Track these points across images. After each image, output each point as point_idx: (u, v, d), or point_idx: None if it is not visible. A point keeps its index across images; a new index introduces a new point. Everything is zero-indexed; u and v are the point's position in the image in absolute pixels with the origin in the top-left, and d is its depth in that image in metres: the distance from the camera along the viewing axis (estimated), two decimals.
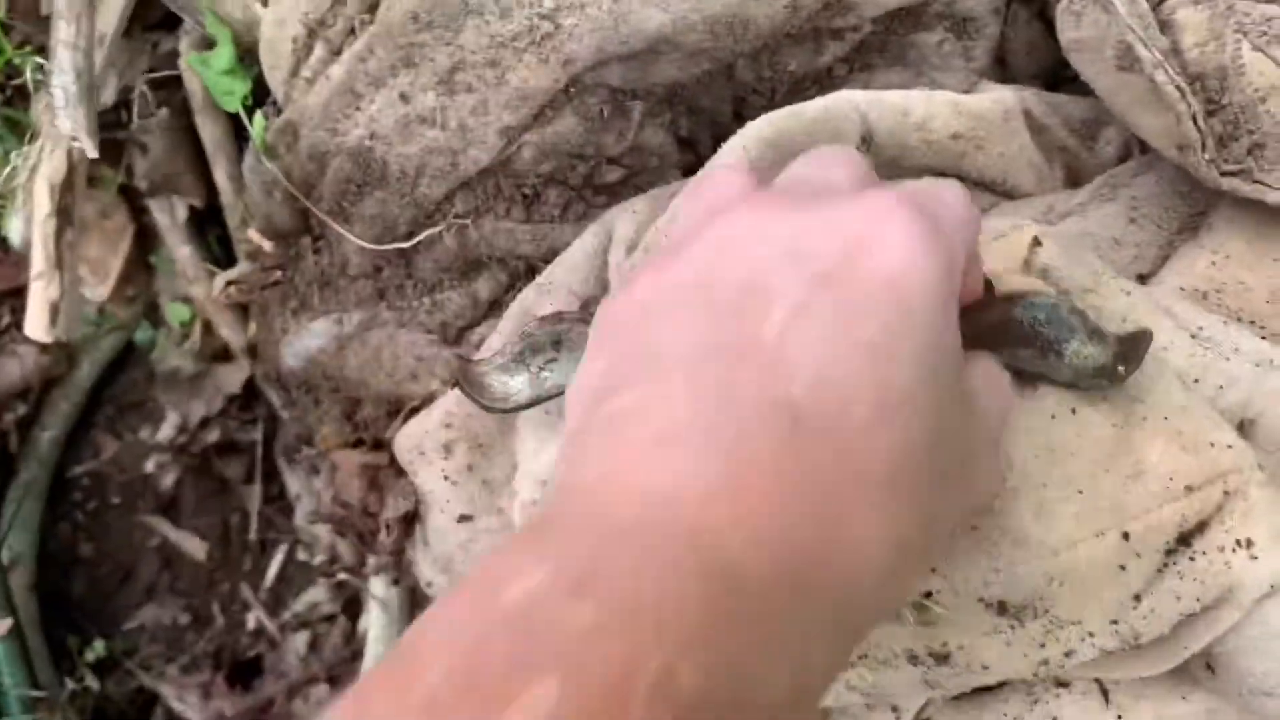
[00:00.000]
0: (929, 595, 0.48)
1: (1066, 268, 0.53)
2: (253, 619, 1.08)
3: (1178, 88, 0.52)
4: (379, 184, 0.57)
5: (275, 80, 0.60)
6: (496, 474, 0.59)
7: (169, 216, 0.95)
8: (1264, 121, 0.52)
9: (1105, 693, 0.54)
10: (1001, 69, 0.66)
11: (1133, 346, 0.47)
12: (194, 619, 1.08)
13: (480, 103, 0.54)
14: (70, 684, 0.99)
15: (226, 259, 0.99)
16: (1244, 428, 0.52)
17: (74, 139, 0.44)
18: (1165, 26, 0.55)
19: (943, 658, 0.50)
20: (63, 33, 0.42)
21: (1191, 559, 0.47)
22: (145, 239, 1.01)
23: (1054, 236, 0.53)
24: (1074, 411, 0.48)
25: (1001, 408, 0.40)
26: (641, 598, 0.24)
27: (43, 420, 1.05)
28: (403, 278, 0.62)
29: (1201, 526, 0.47)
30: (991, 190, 0.62)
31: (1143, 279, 0.60)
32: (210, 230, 0.98)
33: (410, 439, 0.60)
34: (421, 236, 0.57)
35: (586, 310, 0.49)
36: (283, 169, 0.59)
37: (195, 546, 1.08)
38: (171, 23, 0.85)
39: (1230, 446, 0.47)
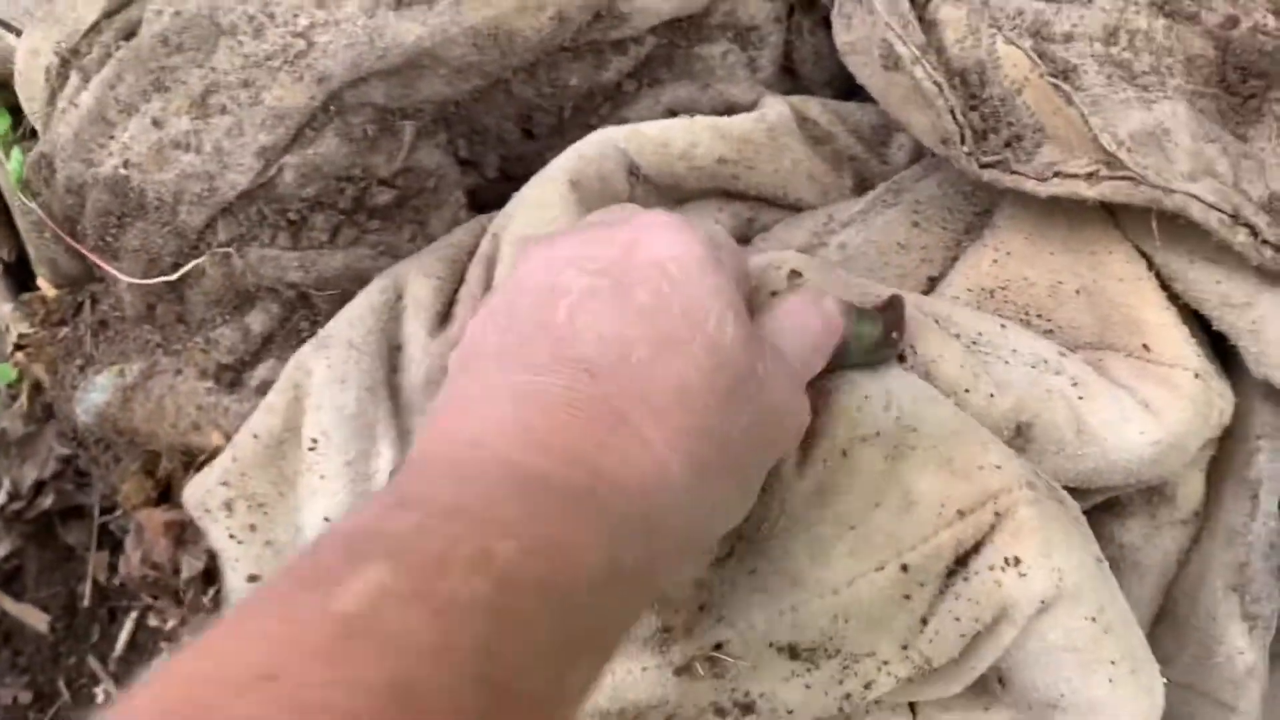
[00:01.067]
0: (719, 647, 0.47)
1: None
2: (102, 692, 1.02)
3: (935, 83, 0.52)
4: (138, 214, 0.54)
5: (32, 112, 0.57)
6: (280, 534, 0.56)
7: None
8: (1021, 113, 0.52)
9: (912, 708, 0.53)
10: (792, 79, 0.66)
11: (893, 312, 0.49)
12: (36, 696, 1.02)
13: (235, 124, 0.52)
14: None
15: None
16: (1021, 431, 0.52)
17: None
18: (930, 25, 0.55)
19: (747, 708, 0.49)
20: None
21: (966, 580, 0.47)
22: None
23: (813, 266, 0.53)
24: (844, 454, 0.48)
25: (804, 345, 0.44)
26: (460, 501, 0.30)
27: None
28: (175, 316, 0.59)
29: (977, 547, 0.47)
30: (775, 204, 0.61)
31: (933, 281, 0.60)
32: (32, 287, 0.95)
33: (195, 495, 0.57)
34: (187, 268, 0.55)
35: None
36: (43, 206, 0.56)
37: (37, 619, 1.03)
38: None
39: (999, 467, 0.47)
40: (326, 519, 0.51)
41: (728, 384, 0.37)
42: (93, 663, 1.03)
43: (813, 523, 0.47)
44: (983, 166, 0.52)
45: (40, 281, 0.68)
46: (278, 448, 0.54)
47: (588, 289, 0.37)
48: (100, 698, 1.02)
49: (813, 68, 0.65)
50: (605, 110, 0.63)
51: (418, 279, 0.55)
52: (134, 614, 1.04)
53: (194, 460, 0.62)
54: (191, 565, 0.59)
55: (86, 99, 0.54)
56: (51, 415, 0.98)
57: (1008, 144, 0.52)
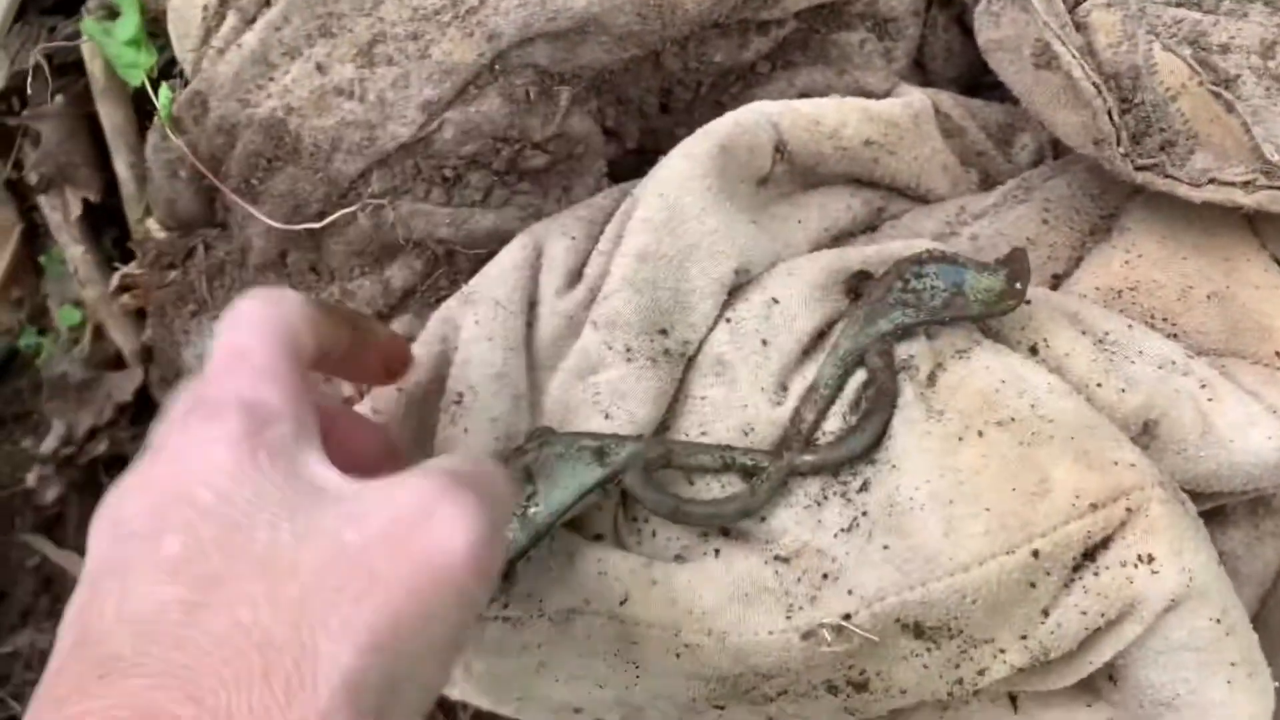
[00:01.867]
0: (847, 618, 0.48)
1: None
2: None
3: (1094, 84, 0.53)
4: (291, 159, 0.54)
5: (183, 50, 0.57)
6: None
7: (61, 214, 0.90)
8: (1174, 119, 0.53)
9: (1013, 700, 0.54)
10: (921, 73, 0.67)
11: (1018, 265, 0.51)
12: None
13: (401, 76, 0.52)
14: None
15: (123, 259, 0.95)
16: (1147, 429, 0.53)
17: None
18: (1080, 27, 0.57)
19: (861, 685, 0.50)
20: None
21: (1096, 574, 0.48)
22: (33, 238, 0.96)
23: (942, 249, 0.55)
24: (980, 434, 0.49)
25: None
26: None
27: None
28: (309, 265, 0.60)
29: (1106, 542, 0.48)
30: (905, 194, 0.62)
31: (1057, 279, 0.61)
32: (106, 230, 0.94)
33: None
34: (335, 216, 0.55)
35: (545, 434, 0.49)
36: (189, 144, 0.56)
37: (78, 566, 1.02)
38: (70, 6, 0.82)
39: (1133, 465, 0.48)
40: None
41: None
42: None
43: (948, 500, 0.48)
44: (1137, 169, 0.53)
45: (150, 223, 0.67)
46: (421, 399, 0.54)
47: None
48: None
49: (943, 63, 0.66)
50: (737, 89, 0.63)
51: (555, 237, 0.55)
52: None
53: None
54: None
55: (250, 39, 0.54)
56: (113, 363, 0.97)
57: (1162, 148, 0.53)
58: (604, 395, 0.49)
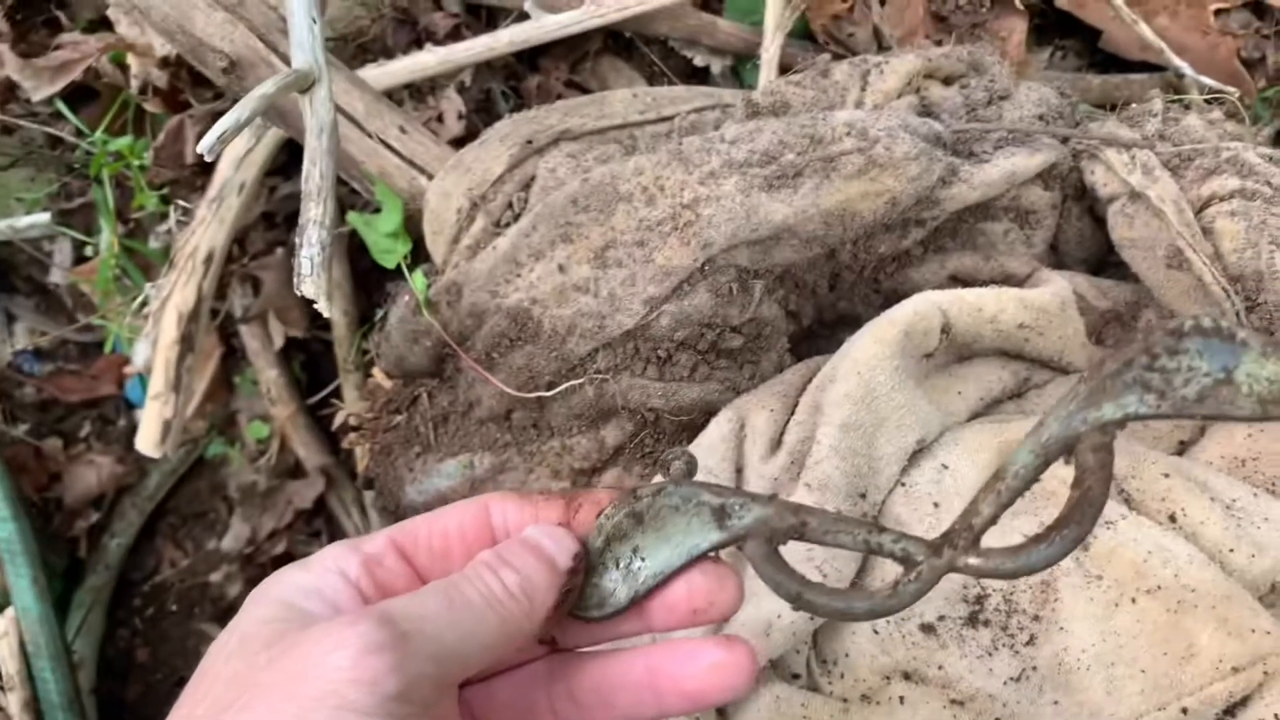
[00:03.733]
0: None
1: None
2: None
3: (1223, 288, 0.62)
4: (531, 339, 0.64)
5: (438, 245, 0.68)
6: None
7: (260, 342, 1.02)
8: None
9: None
10: (1053, 253, 0.76)
11: None
12: None
13: (629, 276, 0.62)
14: None
15: (310, 383, 1.06)
16: (1276, 589, 0.60)
17: (314, 301, 0.51)
18: (1206, 233, 0.65)
19: None
20: (312, 212, 0.50)
21: None
22: (229, 361, 1.08)
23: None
24: (1134, 602, 0.57)
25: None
26: None
27: (112, 528, 1.10)
28: (531, 422, 0.69)
29: (1245, 701, 0.55)
30: (1049, 367, 0.71)
31: (1183, 445, 0.69)
32: (294, 357, 1.06)
33: None
34: (564, 386, 0.65)
35: (665, 481, 0.44)
36: (441, 322, 0.67)
37: None
38: (286, 169, 0.94)
39: (1269, 632, 0.56)
40: None
41: None
42: None
43: (1110, 662, 0.56)
44: None
45: (376, 372, 0.78)
46: None
47: None
48: None
49: (1074, 246, 0.75)
50: (892, 269, 0.73)
51: (756, 410, 0.64)
52: None
53: None
54: None
55: (503, 243, 0.64)
56: (292, 472, 1.08)
57: None
58: (818, 554, 0.58)
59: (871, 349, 0.62)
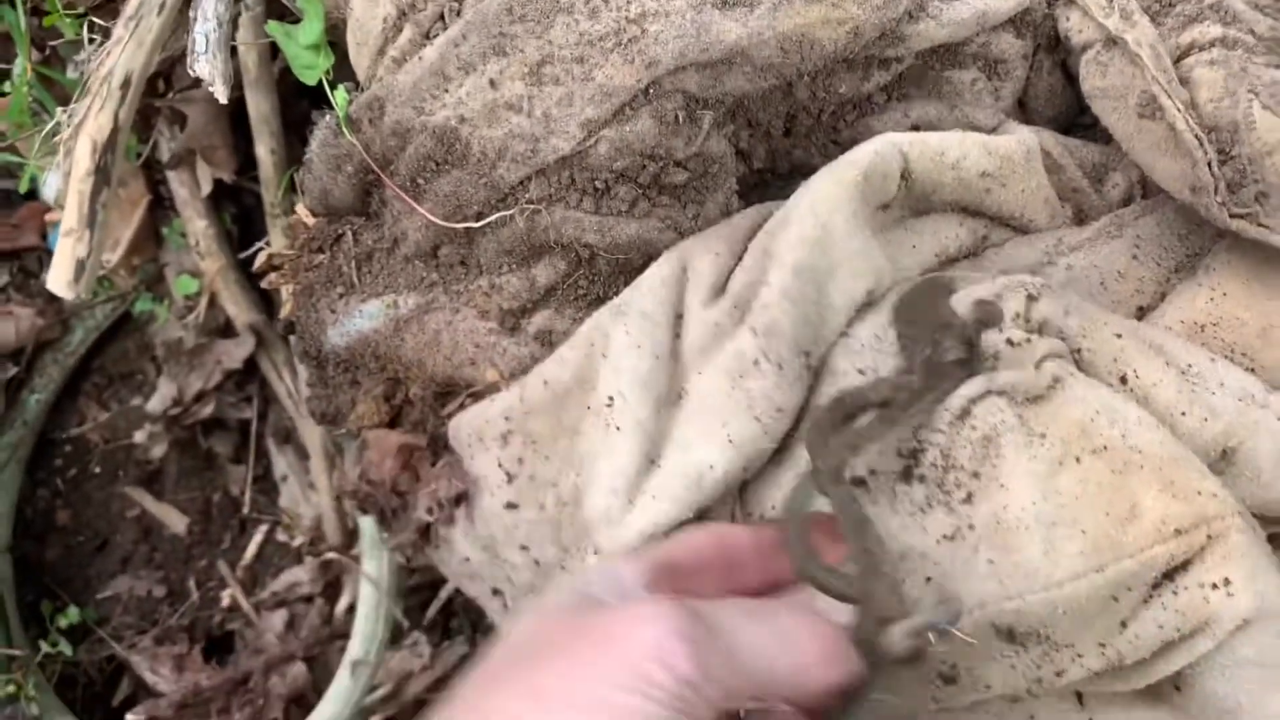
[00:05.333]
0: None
1: (1060, 318, 0.59)
2: (228, 596, 1.08)
3: (1196, 136, 0.58)
4: (459, 163, 0.60)
5: (361, 57, 0.63)
6: (544, 471, 0.62)
7: (188, 190, 0.96)
8: (1269, 173, 0.58)
9: (1079, 696, 0.59)
10: (1022, 111, 0.72)
11: None
12: (169, 592, 1.08)
13: (566, 95, 0.58)
14: (44, 647, 0.98)
15: (241, 236, 1.01)
16: (1225, 455, 0.58)
17: (209, 84, 0.46)
18: (1184, 82, 0.61)
19: (950, 679, 0.55)
20: None
21: (1175, 593, 0.53)
22: (156, 211, 1.02)
23: (1048, 292, 0.60)
24: (1078, 460, 0.54)
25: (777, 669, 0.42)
26: None
27: (32, 383, 1.05)
28: (459, 259, 0.65)
29: (1186, 565, 0.53)
30: (1008, 224, 0.67)
31: (1142, 311, 0.66)
32: (225, 208, 1.00)
33: (470, 424, 0.63)
34: (494, 217, 0.60)
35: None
36: (363, 143, 0.62)
37: (175, 520, 1.09)
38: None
39: (1215, 495, 0.54)
40: (614, 487, 0.57)
41: None
42: (222, 567, 1.09)
43: (1051, 522, 0.54)
44: (1232, 216, 0.58)
45: (299, 208, 0.73)
46: (563, 396, 0.60)
47: None
48: (225, 601, 1.08)
49: (1044, 103, 0.71)
50: (852, 117, 0.69)
51: (700, 253, 0.61)
52: (264, 527, 1.10)
53: (449, 392, 0.67)
54: (452, 486, 0.64)
55: (430, 53, 0.59)
56: (223, 331, 1.03)
57: (1256, 199, 0.58)
58: (757, 401, 0.54)
59: (829, 190, 0.59)
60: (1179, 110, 0.59)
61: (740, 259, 0.61)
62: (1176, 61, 0.62)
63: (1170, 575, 0.53)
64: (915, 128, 0.68)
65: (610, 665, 0.36)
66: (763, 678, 0.39)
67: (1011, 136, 0.64)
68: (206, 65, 0.46)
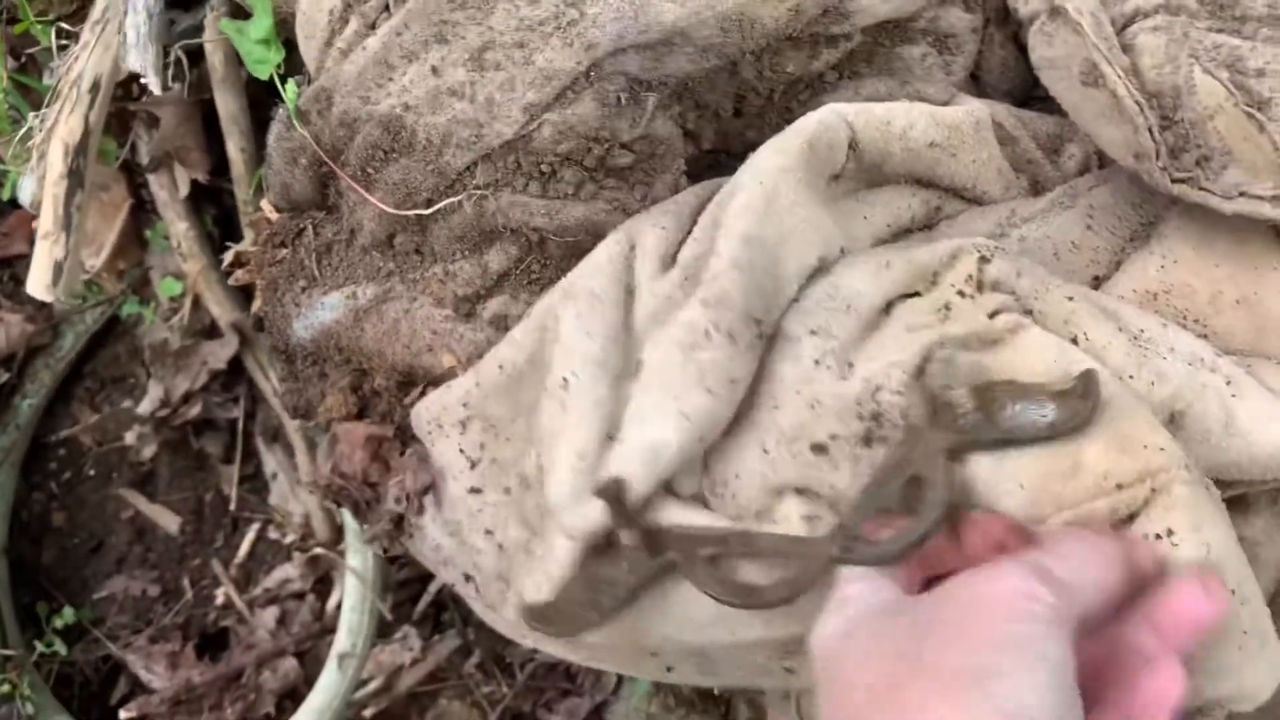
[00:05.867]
0: None
1: (1012, 279, 0.60)
2: (221, 594, 1.09)
3: (1136, 102, 0.58)
4: (406, 151, 0.61)
5: (310, 50, 0.64)
6: (505, 454, 0.62)
7: (168, 192, 0.97)
8: (1211, 137, 0.58)
9: None
10: (976, 85, 0.72)
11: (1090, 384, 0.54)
12: (163, 591, 1.09)
13: (508, 80, 0.58)
14: (39, 648, 1.00)
15: (223, 237, 1.02)
16: (1174, 419, 0.58)
17: (144, 76, 0.47)
18: (1127, 49, 0.61)
19: None
20: None
21: None
22: (139, 215, 1.04)
23: (1000, 254, 0.60)
24: None
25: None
26: None
27: (24, 388, 1.07)
28: (414, 247, 0.66)
29: (1131, 518, 0.53)
30: (961, 196, 0.67)
31: (1098, 280, 0.66)
32: (207, 209, 1.02)
33: (429, 411, 0.64)
34: (442, 204, 0.61)
35: None
36: (313, 134, 0.63)
37: (168, 520, 1.10)
38: (187, 2, 0.89)
39: (1163, 449, 0.53)
40: (581, 456, 0.57)
41: None
42: (216, 566, 1.10)
43: (990, 483, 0.54)
44: (1174, 181, 0.58)
45: (264, 204, 0.74)
46: (518, 378, 0.60)
47: None
48: (219, 599, 1.10)
49: (998, 77, 0.71)
50: (805, 96, 0.69)
51: (647, 229, 0.61)
52: (256, 525, 1.11)
53: (411, 380, 0.68)
54: (419, 479, 0.65)
55: (373, 43, 0.60)
56: (208, 333, 1.05)
57: (1198, 163, 0.58)
58: (709, 373, 0.55)
59: (773, 160, 0.59)
60: (1119, 77, 0.59)
61: (688, 233, 0.61)
62: (1121, 30, 0.62)
63: (1115, 529, 0.53)
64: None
65: (993, 613, 0.41)
66: (1089, 591, 0.44)
67: (960, 108, 0.64)
68: (138, 58, 0.46)
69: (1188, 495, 0.53)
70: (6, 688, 0.94)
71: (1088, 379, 0.54)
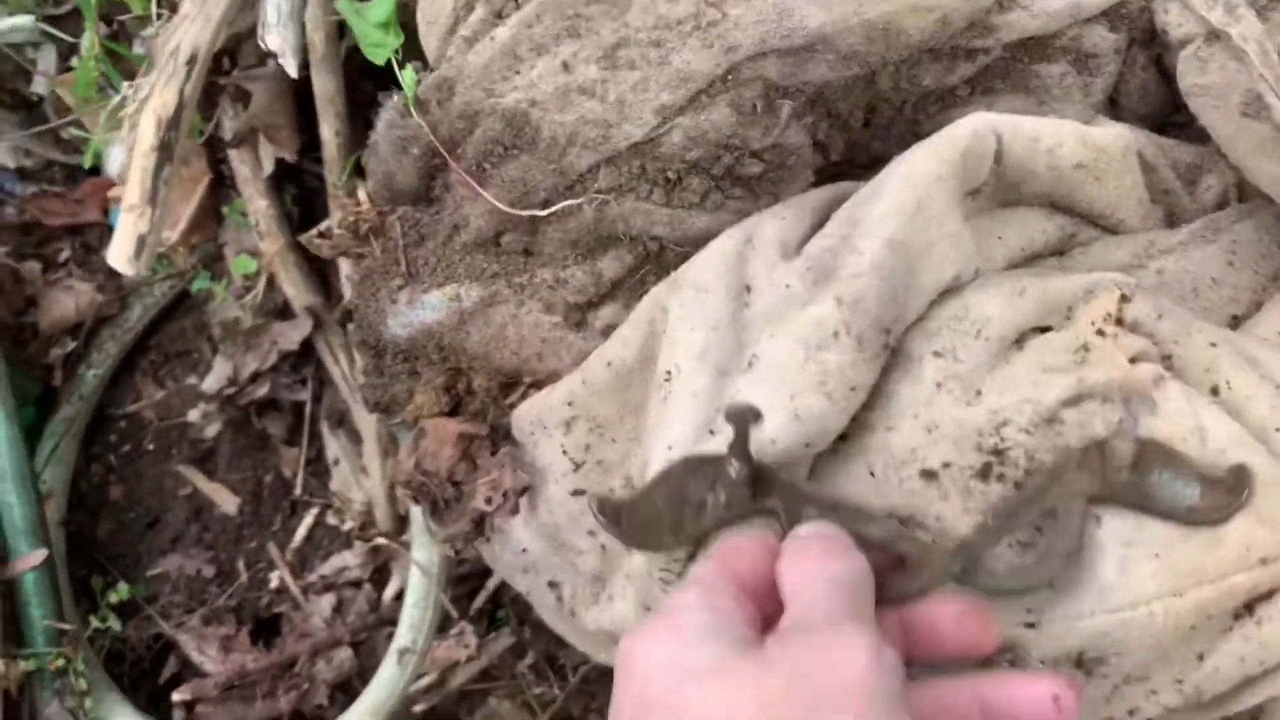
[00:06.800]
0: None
1: (1152, 321, 0.57)
2: (276, 578, 1.08)
3: None
4: (527, 148, 0.58)
5: (431, 36, 0.61)
6: (611, 455, 0.60)
7: (249, 168, 0.95)
8: None
9: None
10: (1113, 108, 0.69)
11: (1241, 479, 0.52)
12: (218, 572, 1.07)
13: (641, 80, 0.56)
14: (94, 622, 0.98)
15: (302, 217, 1.00)
16: None
17: (280, 56, 0.45)
18: None
19: None
20: None
21: (1258, 624, 0.51)
22: (217, 190, 1.01)
23: (1141, 293, 0.57)
24: None
25: None
26: None
27: (90, 358, 1.05)
28: (523, 248, 0.63)
29: (1270, 594, 0.50)
30: (1097, 224, 0.64)
31: (1236, 320, 0.63)
32: (286, 188, 0.99)
33: (532, 412, 0.62)
34: (561, 205, 0.59)
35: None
36: (430, 124, 0.60)
37: (226, 500, 1.08)
38: None
39: None
40: (670, 446, 0.55)
41: None
42: (272, 549, 1.08)
43: (1127, 540, 0.51)
44: None
45: (361, 191, 0.72)
46: (627, 376, 0.58)
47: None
48: (274, 583, 1.08)
49: (1137, 100, 0.68)
50: (934, 110, 0.66)
51: (766, 221, 0.58)
52: (315, 510, 1.09)
53: (514, 382, 0.66)
54: (518, 479, 0.63)
55: (502, 33, 0.57)
56: (280, 312, 1.03)
57: None
58: (831, 376, 0.52)
59: (928, 165, 0.56)
60: None
61: (811, 226, 0.58)
62: None
63: (1251, 606, 0.51)
64: None
65: (845, 689, 0.38)
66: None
67: (1109, 129, 0.61)
68: (278, 37, 0.44)
69: None
70: (61, 662, 0.93)
71: (1241, 476, 0.51)
